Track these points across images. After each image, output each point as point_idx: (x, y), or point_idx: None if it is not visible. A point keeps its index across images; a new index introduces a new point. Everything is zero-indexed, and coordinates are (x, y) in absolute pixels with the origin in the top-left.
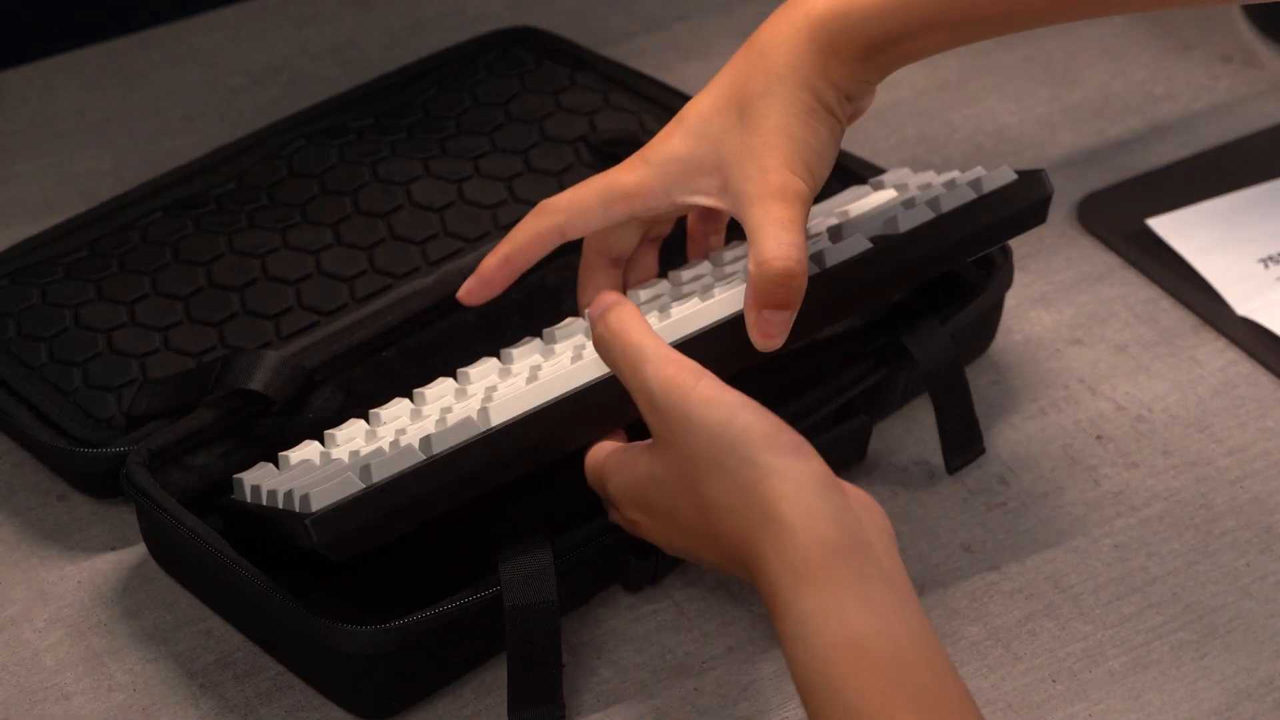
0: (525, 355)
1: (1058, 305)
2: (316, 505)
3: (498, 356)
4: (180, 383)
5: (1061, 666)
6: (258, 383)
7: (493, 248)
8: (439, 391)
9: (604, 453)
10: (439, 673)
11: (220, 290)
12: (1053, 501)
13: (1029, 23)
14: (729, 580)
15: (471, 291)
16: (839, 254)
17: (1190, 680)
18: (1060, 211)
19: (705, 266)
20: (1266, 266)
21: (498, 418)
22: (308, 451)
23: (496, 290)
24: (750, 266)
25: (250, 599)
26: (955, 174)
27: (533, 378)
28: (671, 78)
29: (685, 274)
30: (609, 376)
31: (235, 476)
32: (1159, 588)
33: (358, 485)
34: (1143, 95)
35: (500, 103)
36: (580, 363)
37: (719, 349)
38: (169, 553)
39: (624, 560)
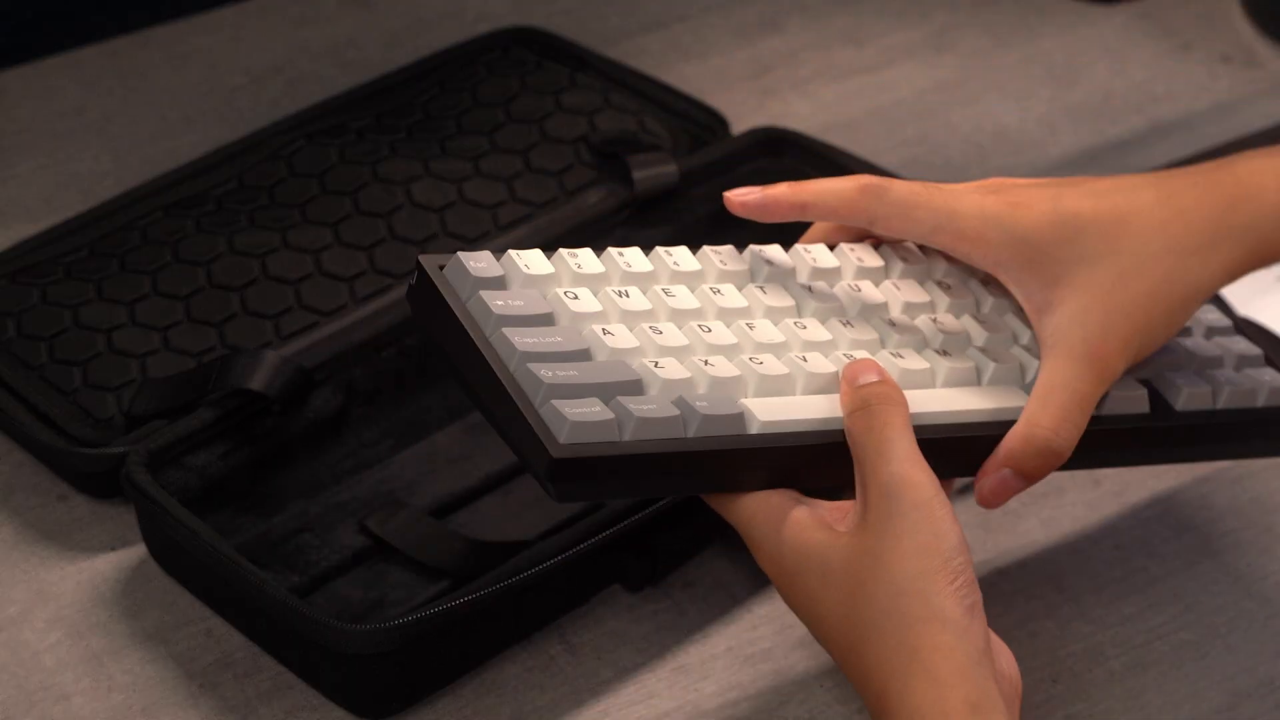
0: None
1: None
2: (566, 438)
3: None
4: (180, 383)
5: (1062, 667)
6: (257, 382)
7: None
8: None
9: (776, 498)
10: (439, 672)
11: (220, 290)
12: (1053, 501)
13: None
14: (729, 580)
15: (748, 204)
16: (1113, 405)
17: (1191, 680)
18: None
19: (917, 291)
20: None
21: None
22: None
23: (770, 219)
24: (1021, 424)
25: (250, 599)
26: (1243, 343)
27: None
28: (671, 78)
29: (902, 294)
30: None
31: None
32: (1159, 588)
33: (615, 435)
34: (1143, 95)
35: (500, 103)
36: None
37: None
38: (169, 553)
39: (624, 560)
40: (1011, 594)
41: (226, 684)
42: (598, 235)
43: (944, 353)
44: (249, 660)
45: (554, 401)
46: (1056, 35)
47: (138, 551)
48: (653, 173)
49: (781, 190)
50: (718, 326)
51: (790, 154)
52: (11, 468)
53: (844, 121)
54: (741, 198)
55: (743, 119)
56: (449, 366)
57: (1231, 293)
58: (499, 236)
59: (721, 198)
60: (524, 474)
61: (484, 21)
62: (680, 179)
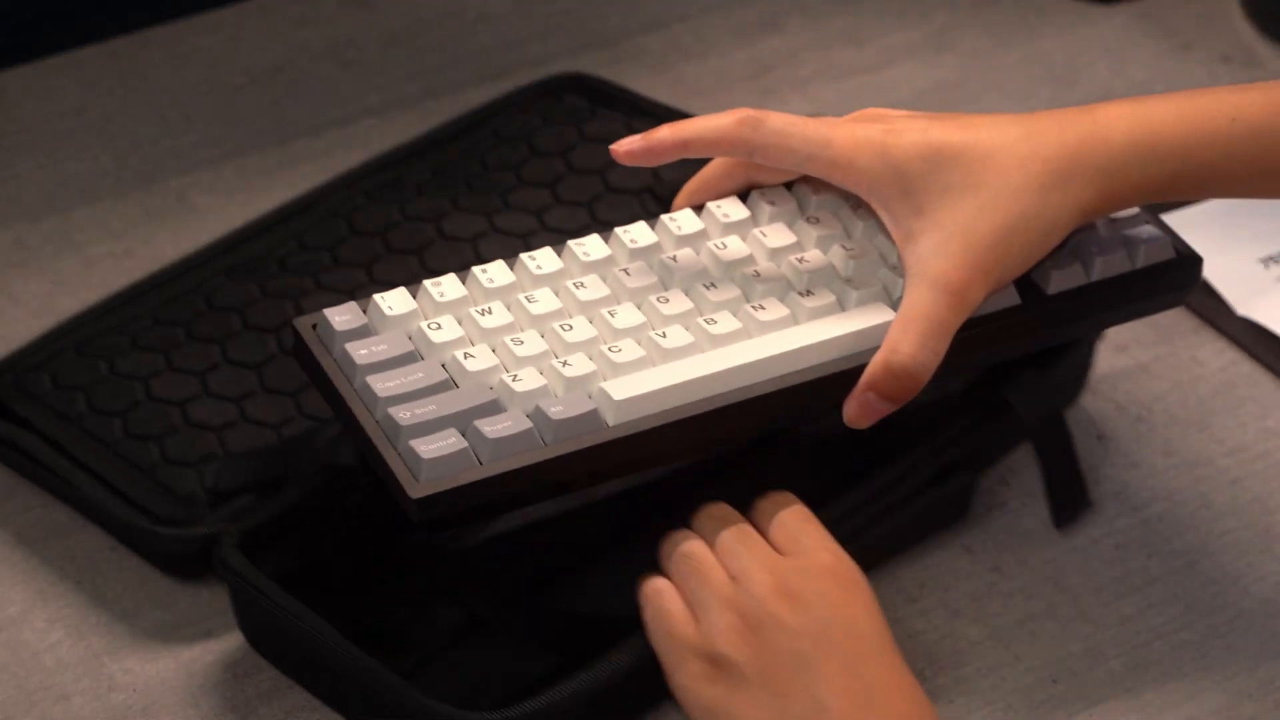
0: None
1: None
2: (425, 475)
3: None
4: (265, 457)
5: (1062, 666)
6: (345, 457)
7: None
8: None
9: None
10: None
11: (293, 357)
12: None
13: None
14: None
15: (634, 152)
16: (984, 305)
17: (1191, 680)
18: None
19: (784, 234)
20: (1266, 266)
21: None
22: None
23: (658, 162)
24: (883, 349)
25: (361, 684)
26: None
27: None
28: (671, 78)
29: (770, 232)
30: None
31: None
32: (1159, 588)
33: (472, 461)
34: (1143, 95)
35: (559, 153)
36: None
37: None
38: (267, 636)
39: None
40: (1011, 594)
41: (226, 684)
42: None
43: (807, 293)
44: (249, 660)
45: (411, 442)
46: (1056, 35)
47: (138, 552)
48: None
49: (663, 132)
50: (579, 322)
51: None
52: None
53: None
54: (626, 147)
55: None
56: (334, 414)
57: (1231, 293)
58: None
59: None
60: (623, 543)
61: (484, 22)
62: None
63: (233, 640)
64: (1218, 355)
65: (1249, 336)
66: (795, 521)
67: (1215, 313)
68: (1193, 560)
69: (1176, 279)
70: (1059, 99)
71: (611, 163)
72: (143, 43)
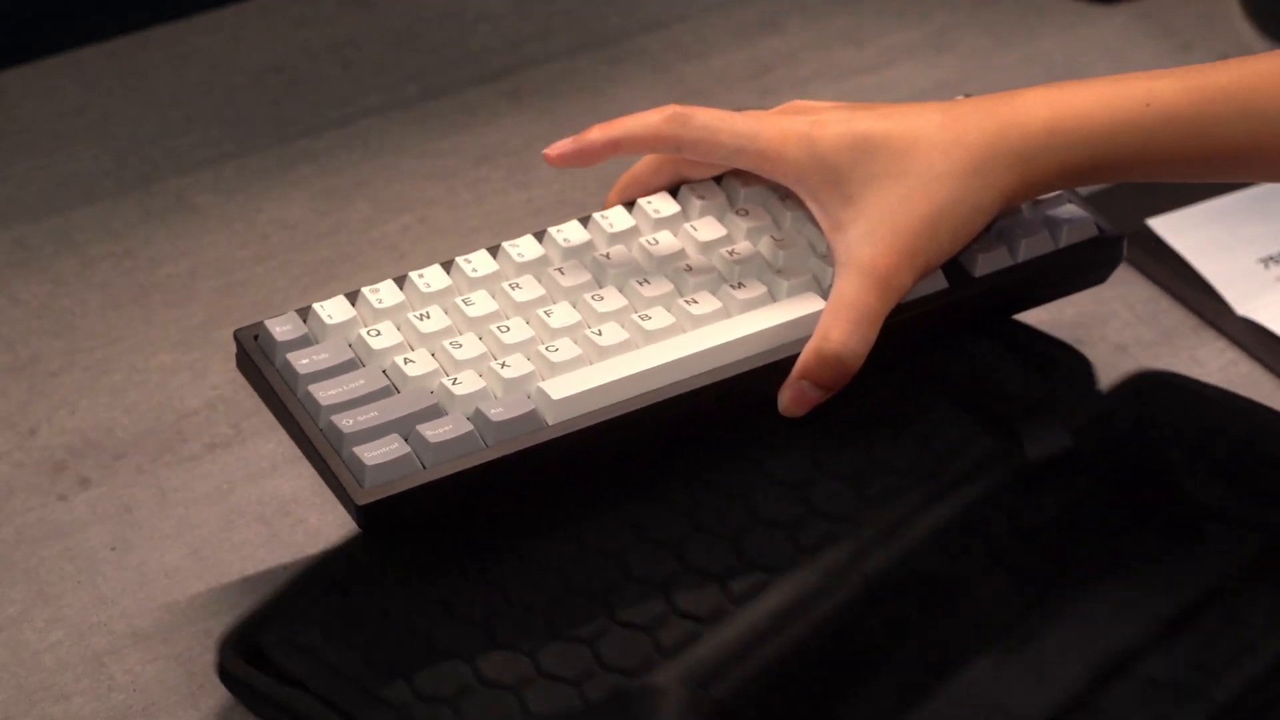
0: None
1: (1058, 305)
2: (370, 481)
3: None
4: None
5: None
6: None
7: None
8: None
9: None
10: None
11: (583, 598)
12: None
13: (1245, 173)
14: None
15: (565, 154)
16: (913, 290)
17: None
18: None
19: (715, 227)
20: (1266, 266)
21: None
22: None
23: (590, 163)
24: (814, 337)
25: None
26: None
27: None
28: (671, 78)
29: (700, 226)
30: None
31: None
32: None
33: (416, 466)
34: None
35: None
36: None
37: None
38: None
39: None
40: None
41: None
42: (983, 510)
43: (739, 285)
44: None
45: (354, 449)
46: (1056, 35)
47: (138, 552)
48: (1043, 437)
49: (594, 133)
50: (516, 323)
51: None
52: (11, 468)
53: None
54: (559, 149)
55: None
56: (281, 424)
57: (1231, 293)
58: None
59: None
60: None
61: (484, 21)
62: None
63: None
64: (1218, 355)
65: (1249, 336)
66: None
67: (1215, 313)
68: None
69: (1100, 257)
70: None
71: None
72: (143, 43)
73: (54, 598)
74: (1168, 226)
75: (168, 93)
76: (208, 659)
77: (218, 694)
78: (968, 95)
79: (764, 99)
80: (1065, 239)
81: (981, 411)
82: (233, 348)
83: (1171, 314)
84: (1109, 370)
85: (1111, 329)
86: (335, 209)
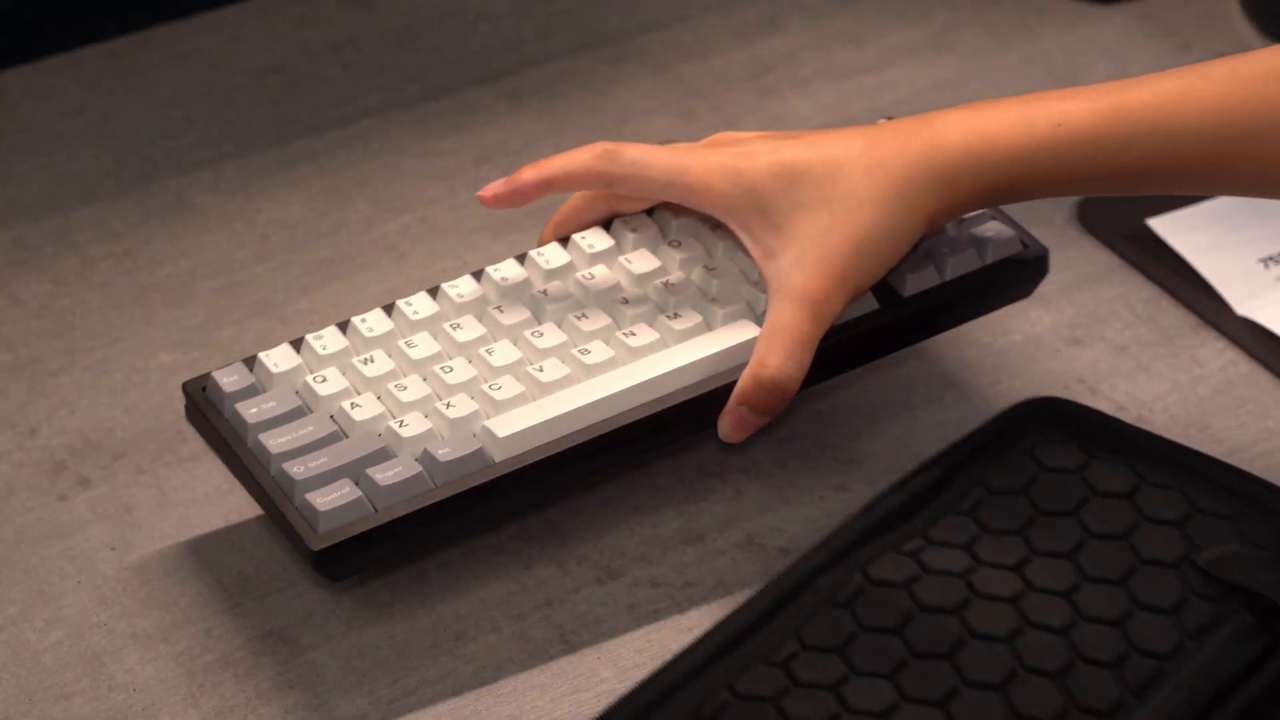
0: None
1: (1058, 305)
2: (324, 526)
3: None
4: None
5: None
6: None
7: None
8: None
9: None
10: None
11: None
12: None
13: (1163, 187)
14: (729, 580)
15: (499, 195)
16: (844, 312)
17: None
18: (1060, 211)
19: (648, 259)
20: (1266, 266)
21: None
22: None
23: (523, 204)
24: (751, 363)
25: None
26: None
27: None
28: (671, 77)
29: (634, 259)
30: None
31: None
32: None
33: (368, 509)
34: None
35: (1068, 510)
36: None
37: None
38: None
39: None
40: None
41: (226, 684)
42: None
43: (675, 315)
44: (249, 660)
45: (306, 495)
46: (1056, 35)
47: (138, 551)
48: None
49: (526, 173)
50: (459, 363)
51: None
52: (11, 468)
53: (844, 121)
54: (492, 190)
55: (743, 119)
56: (233, 473)
57: (1231, 293)
58: (1137, 709)
59: None
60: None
61: (484, 21)
62: None
63: (233, 640)
64: (1218, 355)
65: (1249, 336)
66: None
67: (1215, 313)
68: None
69: (1025, 272)
70: None
71: (1136, 524)
72: (143, 43)
73: (54, 598)
74: (1168, 226)
75: (168, 93)
76: (208, 659)
77: (218, 694)
78: (892, 117)
79: (764, 99)
80: (991, 256)
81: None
82: (233, 347)
83: (1171, 314)
84: (1110, 371)
85: (1111, 329)
86: (335, 209)
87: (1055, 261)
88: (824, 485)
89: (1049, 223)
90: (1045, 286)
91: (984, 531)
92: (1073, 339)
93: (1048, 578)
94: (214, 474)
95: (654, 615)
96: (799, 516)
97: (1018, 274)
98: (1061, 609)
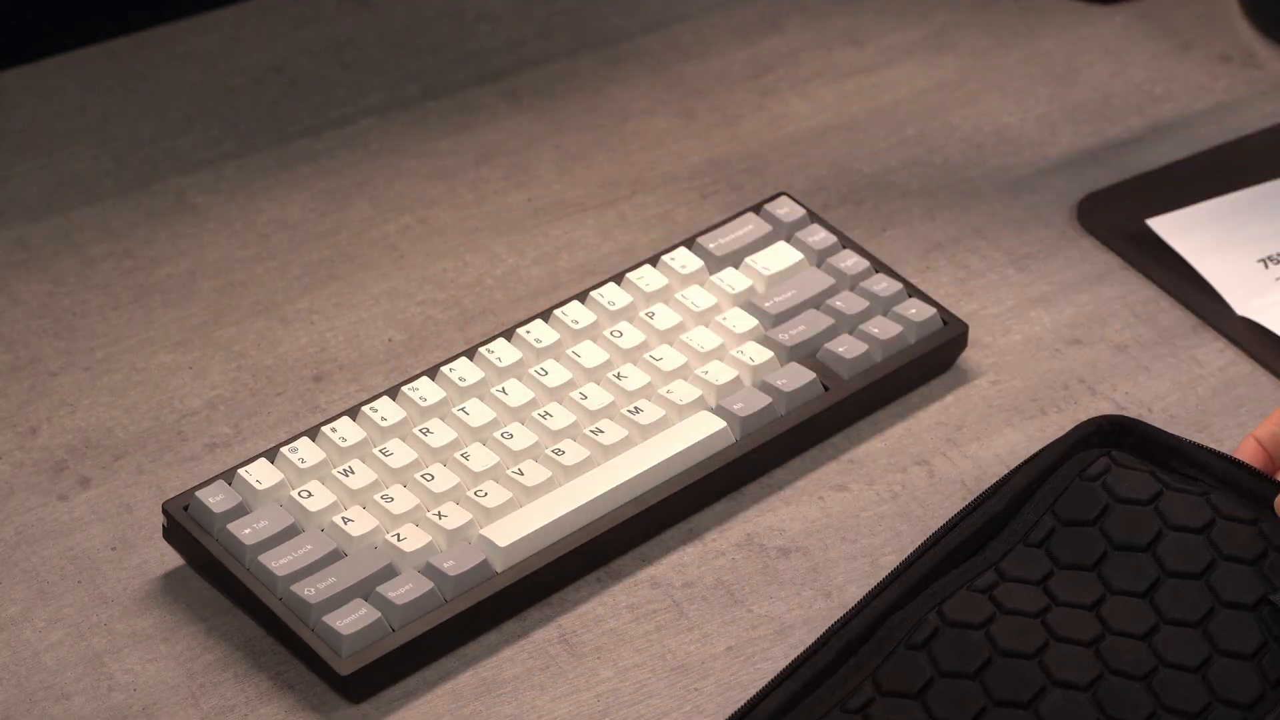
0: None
1: (1058, 305)
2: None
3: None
4: None
5: None
6: None
7: None
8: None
9: None
10: None
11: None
12: None
13: None
14: (729, 580)
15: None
16: (793, 399)
17: None
18: (1060, 211)
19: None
20: (1266, 266)
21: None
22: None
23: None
24: None
25: None
26: (883, 281)
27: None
28: (671, 78)
29: None
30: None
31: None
32: None
33: (386, 629)
34: (1143, 95)
35: (1141, 547)
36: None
37: None
38: None
39: None
40: None
41: (226, 684)
42: None
43: (636, 410)
44: (249, 660)
45: (324, 619)
46: (1056, 35)
47: (138, 552)
48: None
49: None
50: (438, 470)
51: None
52: (11, 468)
53: (844, 121)
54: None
55: (743, 119)
56: (222, 592)
57: (1231, 293)
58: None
59: None
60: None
61: (484, 21)
62: None
63: (233, 640)
64: (1218, 355)
65: (1249, 336)
66: None
67: (1215, 313)
68: None
69: (950, 344)
70: (1059, 99)
71: (1212, 562)
72: (143, 43)
73: (54, 598)
74: (1167, 226)
75: (168, 93)
76: (208, 659)
77: (218, 694)
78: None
79: (764, 99)
80: (917, 334)
81: None
82: (233, 346)
83: (1171, 314)
84: (1110, 371)
85: (1111, 329)
86: (335, 209)
87: (1055, 262)
88: (824, 485)
89: (1049, 223)
90: (1045, 286)
91: (1057, 566)
92: (1073, 339)
93: (1126, 620)
94: (214, 474)
95: (654, 615)
96: (799, 516)
97: (942, 347)
98: (1141, 654)
